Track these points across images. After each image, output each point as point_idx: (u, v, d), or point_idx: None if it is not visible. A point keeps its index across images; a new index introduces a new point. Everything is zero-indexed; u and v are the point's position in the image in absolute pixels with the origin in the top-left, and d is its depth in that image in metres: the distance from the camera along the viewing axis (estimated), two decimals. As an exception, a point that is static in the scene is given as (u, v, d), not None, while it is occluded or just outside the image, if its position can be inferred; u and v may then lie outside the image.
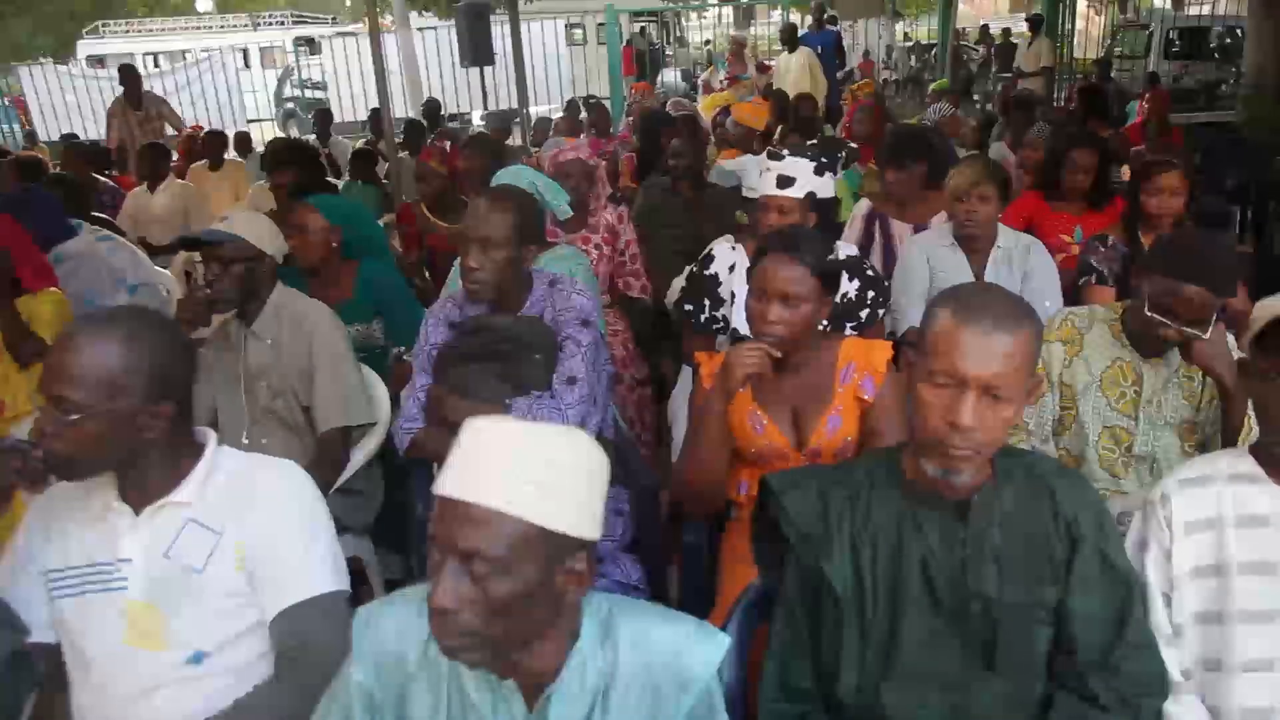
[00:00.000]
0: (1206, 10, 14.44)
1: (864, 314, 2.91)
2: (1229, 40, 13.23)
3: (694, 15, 28.03)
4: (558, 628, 1.19)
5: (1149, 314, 2.12)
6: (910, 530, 1.47)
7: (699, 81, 10.50)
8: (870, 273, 2.92)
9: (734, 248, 3.01)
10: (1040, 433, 2.31)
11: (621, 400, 3.71)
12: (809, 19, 10.10)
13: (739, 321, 2.94)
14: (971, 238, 3.12)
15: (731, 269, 2.97)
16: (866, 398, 2.12)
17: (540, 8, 15.06)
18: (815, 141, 3.04)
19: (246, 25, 17.95)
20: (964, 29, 18.03)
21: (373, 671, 1.24)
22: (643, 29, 16.65)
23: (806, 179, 2.79)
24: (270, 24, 18.00)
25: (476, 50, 9.50)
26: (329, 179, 6.65)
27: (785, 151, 2.85)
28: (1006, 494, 1.47)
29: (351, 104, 11.44)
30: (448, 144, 5.07)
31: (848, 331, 2.92)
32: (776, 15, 20.25)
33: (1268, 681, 1.53)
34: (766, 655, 1.56)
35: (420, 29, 13.58)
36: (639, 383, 3.81)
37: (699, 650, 1.23)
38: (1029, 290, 3.10)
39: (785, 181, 2.78)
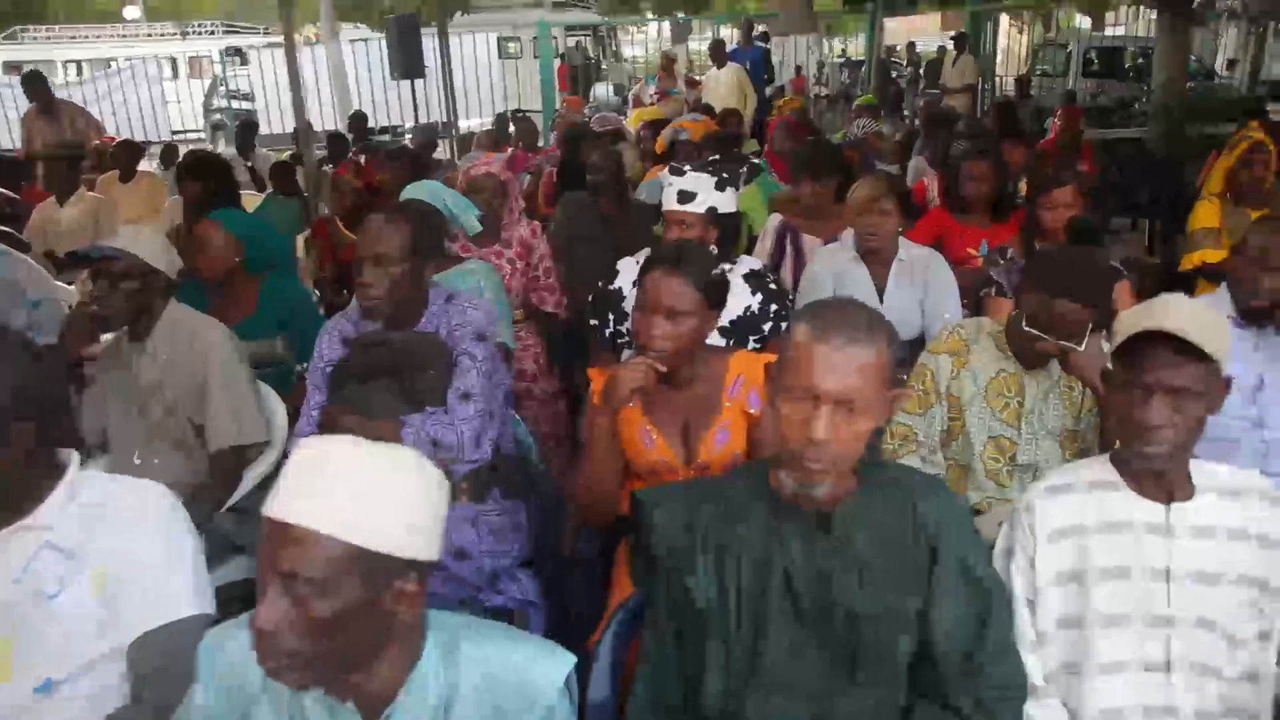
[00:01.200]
0: (1122, 30, 14.95)
1: (767, 327, 2.94)
2: (1141, 60, 13.70)
3: (633, 30, 28.21)
4: (395, 648, 1.18)
5: (1025, 328, 2.18)
6: (775, 542, 1.48)
7: (629, 96, 10.55)
8: (773, 286, 2.96)
9: (639, 263, 3.02)
10: (929, 443, 2.36)
11: (535, 414, 3.70)
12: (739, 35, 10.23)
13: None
14: (873, 251, 3.17)
15: (635, 284, 2.98)
16: (753, 411, 2.14)
17: (474, 21, 15.05)
18: (717, 157, 3.07)
19: (175, 34, 17.60)
20: (894, 46, 18.43)
21: (216, 695, 1.22)
22: (578, 43, 16.70)
23: (707, 194, 2.82)
24: (199, 33, 17.66)
25: (407, 63, 9.44)
26: (252, 191, 6.58)
27: (687, 167, 2.88)
28: (870, 505, 1.50)
29: (280, 116, 11.26)
30: (363, 157, 5.01)
31: (750, 345, 2.96)
32: (713, 31, 20.48)
33: (1123, 683, 1.58)
34: (635, 670, 1.56)
35: (353, 40, 13.46)
36: (552, 396, 3.81)
37: (543, 669, 1.23)
38: (929, 302, 3.17)
39: (686, 197, 2.81)
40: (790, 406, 1.39)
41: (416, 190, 3.43)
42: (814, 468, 1.39)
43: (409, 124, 9.76)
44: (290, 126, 10.64)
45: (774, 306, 2.94)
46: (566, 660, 1.25)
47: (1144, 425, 1.53)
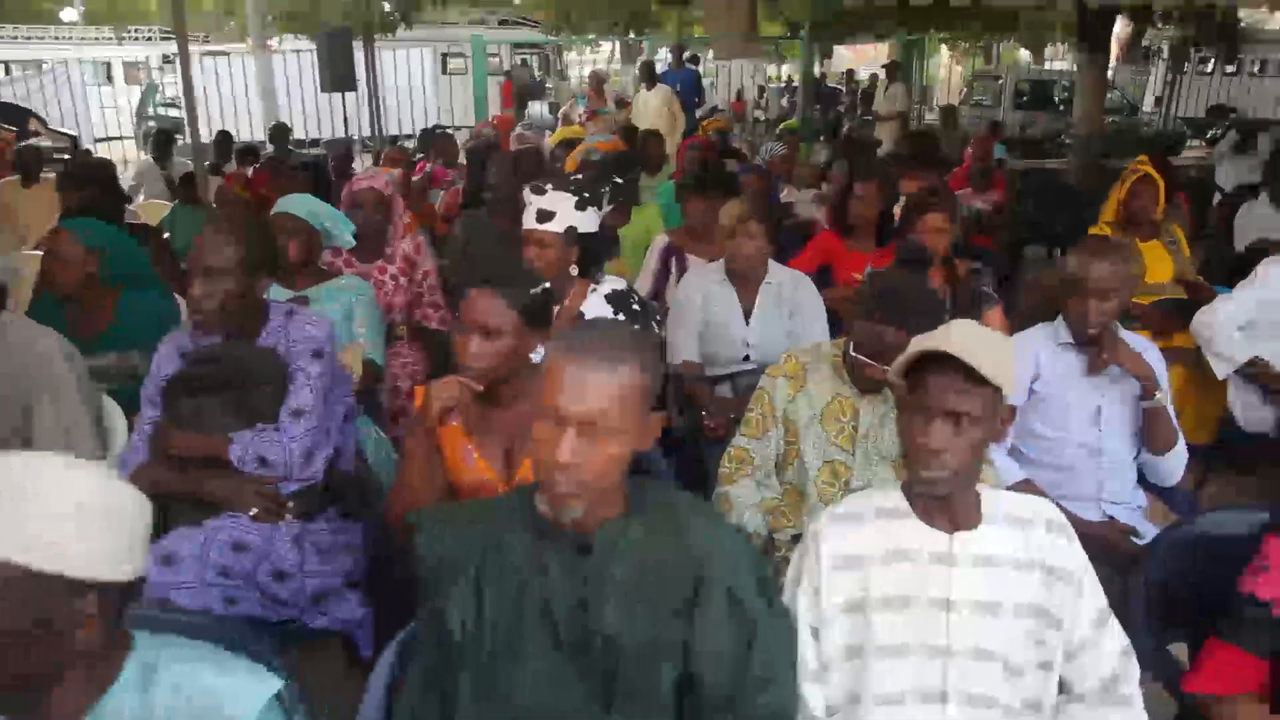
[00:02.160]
0: (1063, 65, 15.31)
1: (629, 348, 2.91)
2: (1069, 94, 14.05)
3: (587, 49, 28.32)
4: (80, 673, 1.12)
5: (854, 355, 2.17)
6: (535, 567, 1.45)
7: (559, 115, 10.56)
8: (636, 306, 2.94)
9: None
10: (765, 467, 2.34)
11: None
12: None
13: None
14: (741, 273, 3.17)
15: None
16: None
17: (417, 35, 14.98)
18: (580, 176, 3.05)
19: (111, 39, 17.27)
20: (823, 73, 18.69)
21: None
22: (523, 61, 16.70)
23: (567, 213, 2.79)
24: (137, 38, 17.34)
25: (337, 76, 9.37)
26: (163, 201, 6.44)
27: (548, 185, 2.85)
28: (635, 529, 1.46)
29: (208, 125, 11.10)
30: (250, 170, 4.92)
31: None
32: (665, 53, 20.61)
33: (899, 714, 1.55)
34: (399, 699, 1.51)
35: (293, 51, 13.31)
36: (429, 415, 3.73)
37: (243, 693, 1.18)
38: (797, 324, 3.18)
39: (545, 216, 2.78)
40: (539, 428, 1.36)
41: (290, 204, 3.37)
42: (561, 491, 1.35)
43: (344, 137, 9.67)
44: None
45: (637, 327, 2.92)
46: (270, 686, 1.20)
47: (923, 448, 1.52)
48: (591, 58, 26.55)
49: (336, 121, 9.79)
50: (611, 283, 2.95)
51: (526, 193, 2.86)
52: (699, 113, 9.82)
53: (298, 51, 11.82)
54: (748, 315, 3.20)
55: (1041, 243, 7.54)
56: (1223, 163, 8.15)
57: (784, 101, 14.92)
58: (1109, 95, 15.75)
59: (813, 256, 4.05)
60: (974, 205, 6.87)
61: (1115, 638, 1.62)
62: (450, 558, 1.48)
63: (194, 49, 15.74)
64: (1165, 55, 12.92)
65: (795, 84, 16.78)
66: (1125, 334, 2.56)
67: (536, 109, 12.85)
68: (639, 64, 9.68)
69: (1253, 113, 15.07)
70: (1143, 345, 2.59)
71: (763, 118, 13.82)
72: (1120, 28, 18.37)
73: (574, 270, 2.88)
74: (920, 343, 1.54)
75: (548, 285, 2.16)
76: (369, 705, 1.58)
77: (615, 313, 2.90)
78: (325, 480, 2.44)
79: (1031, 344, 2.57)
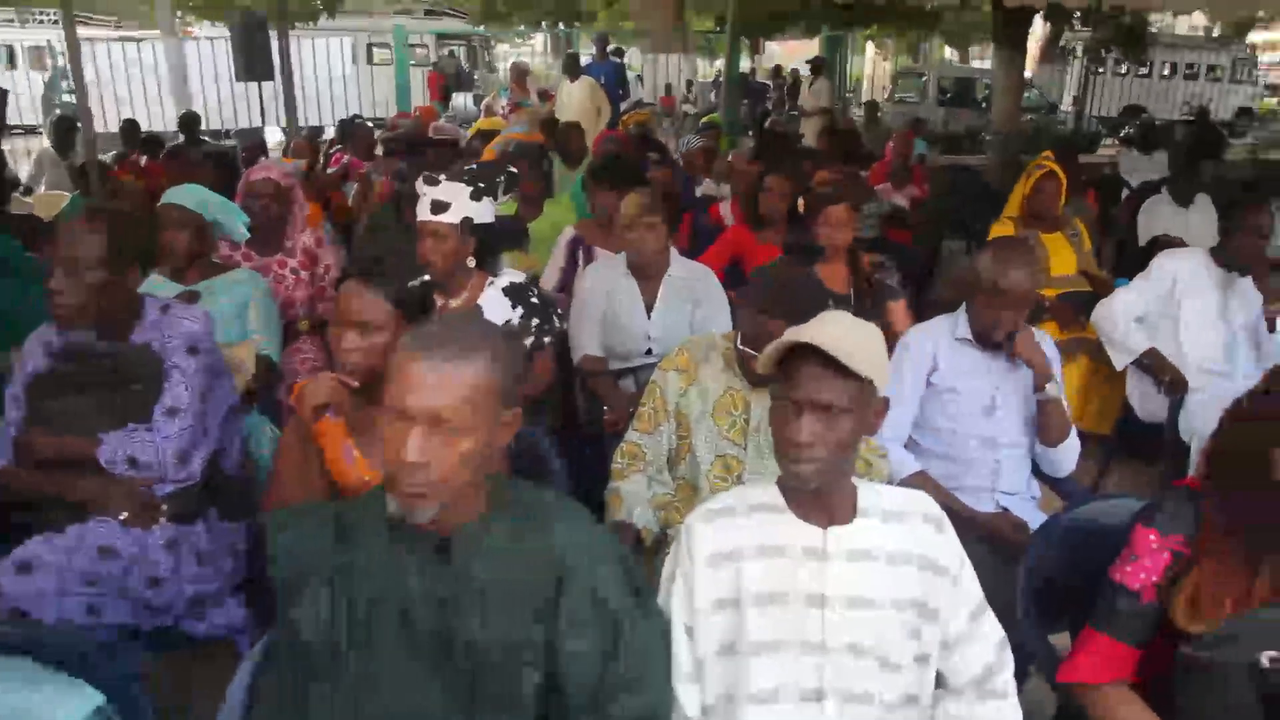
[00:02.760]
0: (984, 64, 15.61)
1: (528, 342, 2.86)
2: (991, 91, 14.34)
3: (519, 41, 28.07)
4: None
5: (740, 348, 2.15)
6: (392, 569, 1.39)
7: (482, 107, 10.42)
8: (535, 300, 2.88)
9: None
10: (657, 462, 2.31)
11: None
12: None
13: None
14: (642, 266, 3.13)
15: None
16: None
17: (340, 24, 14.66)
18: (475, 167, 2.98)
19: (13, 21, 16.53)
20: (753, 68, 18.80)
21: None
22: (450, 52, 16.46)
23: (462, 204, 2.73)
24: (42, 22, 16.63)
25: (252, 65, 9.09)
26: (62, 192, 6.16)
27: (442, 176, 2.78)
28: (497, 529, 1.42)
29: (118, 114, 10.73)
30: (144, 159, 4.74)
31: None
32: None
33: (775, 713, 1.53)
34: (255, 711, 1.44)
35: (208, 38, 12.91)
36: (332, 411, 3.63)
37: (58, 711, 1.10)
38: (700, 317, 3.15)
39: (439, 207, 2.71)
40: (388, 427, 1.30)
41: (179, 194, 3.24)
42: (409, 491, 1.30)
43: (270, 128, 9.40)
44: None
45: (536, 320, 2.87)
46: (92, 699, 1.13)
47: (792, 441, 1.49)
48: (522, 50, 26.36)
49: (254, 112, 9.49)
50: (509, 275, 2.89)
51: (419, 184, 2.79)
52: (624, 106, 9.77)
53: (212, 39, 11.48)
54: (650, 308, 3.16)
55: (959, 237, 7.66)
56: (1128, 160, 8.38)
57: (713, 96, 14.94)
58: (1029, 94, 16.15)
59: (723, 250, 4.04)
60: (893, 200, 6.96)
61: (991, 630, 1.61)
62: (303, 561, 1.41)
63: (104, 34, 15.20)
64: (1079, 56, 13.26)
65: (745, 77, 16.86)
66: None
67: (460, 101, 12.66)
68: (564, 56, 9.59)
69: (1162, 113, 15.59)
70: (1038, 338, 2.62)
71: (692, 112, 13.79)
72: (1040, 29, 18.86)
73: (471, 262, 2.81)
74: (790, 335, 1.50)
75: (428, 278, 2.10)
76: (225, 717, 1.51)
77: (513, 306, 2.84)
78: (204, 481, 2.34)
79: (928, 337, 2.58)
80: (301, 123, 11.00)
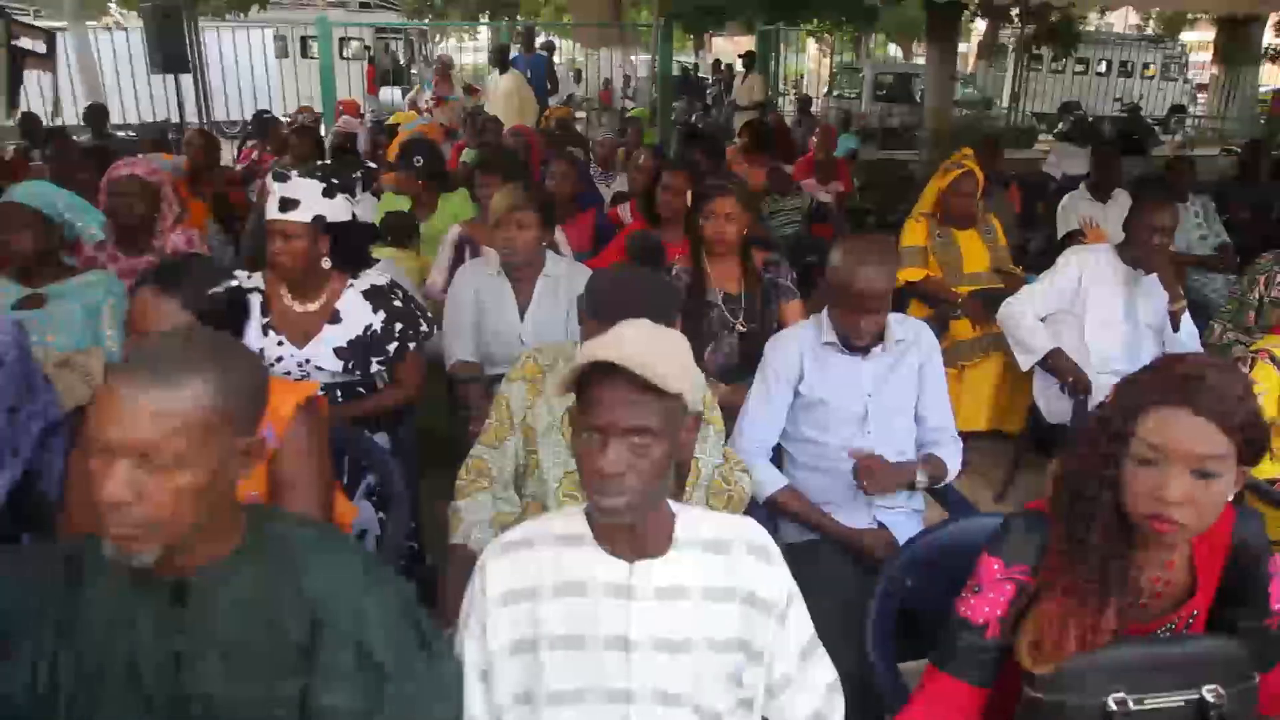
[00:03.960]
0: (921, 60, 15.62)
1: (391, 348, 2.68)
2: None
3: (465, 35, 27.66)
4: None
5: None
6: (121, 619, 1.21)
7: (406, 101, 10.17)
8: (399, 304, 2.70)
9: (250, 275, 2.72)
10: (502, 479, 2.14)
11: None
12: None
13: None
14: (515, 265, 2.96)
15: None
16: (270, 447, 1.86)
17: (262, 16, 14.26)
18: (328, 161, 2.80)
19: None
20: (695, 63, 18.70)
21: None
22: (387, 45, 16.13)
23: (313, 201, 2.55)
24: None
25: (167, 56, 8.76)
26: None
27: (292, 173, 2.59)
28: (243, 572, 1.25)
29: (28, 104, 10.32)
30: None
31: (374, 368, 2.70)
32: (561, 41, 20.24)
33: (573, 766, 1.37)
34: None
35: (121, 29, 12.45)
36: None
37: None
38: (575, 319, 2.98)
39: (288, 204, 2.53)
40: (92, 462, 1.13)
41: (20, 193, 3.02)
42: (117, 533, 1.12)
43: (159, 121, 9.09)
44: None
45: (399, 325, 2.69)
46: None
47: (600, 473, 1.30)
48: (467, 45, 25.98)
49: (172, 105, 9.15)
50: (371, 278, 2.71)
51: (269, 180, 2.60)
52: (552, 100, 9.58)
53: (126, 29, 11.06)
54: (523, 310, 3.00)
55: (887, 233, 7.58)
56: (1058, 155, 8.38)
57: (653, 91, 14.79)
58: (967, 90, 16.24)
59: (618, 248, 3.89)
60: (817, 195, 6.86)
61: (822, 672, 1.47)
62: (20, 609, 1.23)
63: (29, 23, 14.64)
64: (1016, 51, 13.34)
65: (686, 73, 16.73)
66: (896, 316, 2.44)
67: (388, 95, 12.37)
68: (491, 49, 9.38)
69: (1098, 109, 15.77)
70: (915, 327, 2.49)
71: (630, 107, 13.64)
72: (981, 26, 18.98)
73: (326, 263, 2.62)
74: (586, 353, 1.33)
75: (236, 284, 1.92)
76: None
77: (375, 310, 2.67)
78: (8, 502, 2.14)
79: (793, 343, 2.43)
80: (221, 116, 10.67)
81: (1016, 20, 12.38)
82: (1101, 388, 3.44)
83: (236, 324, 1.91)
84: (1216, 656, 1.42)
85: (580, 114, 13.12)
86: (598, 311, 1.91)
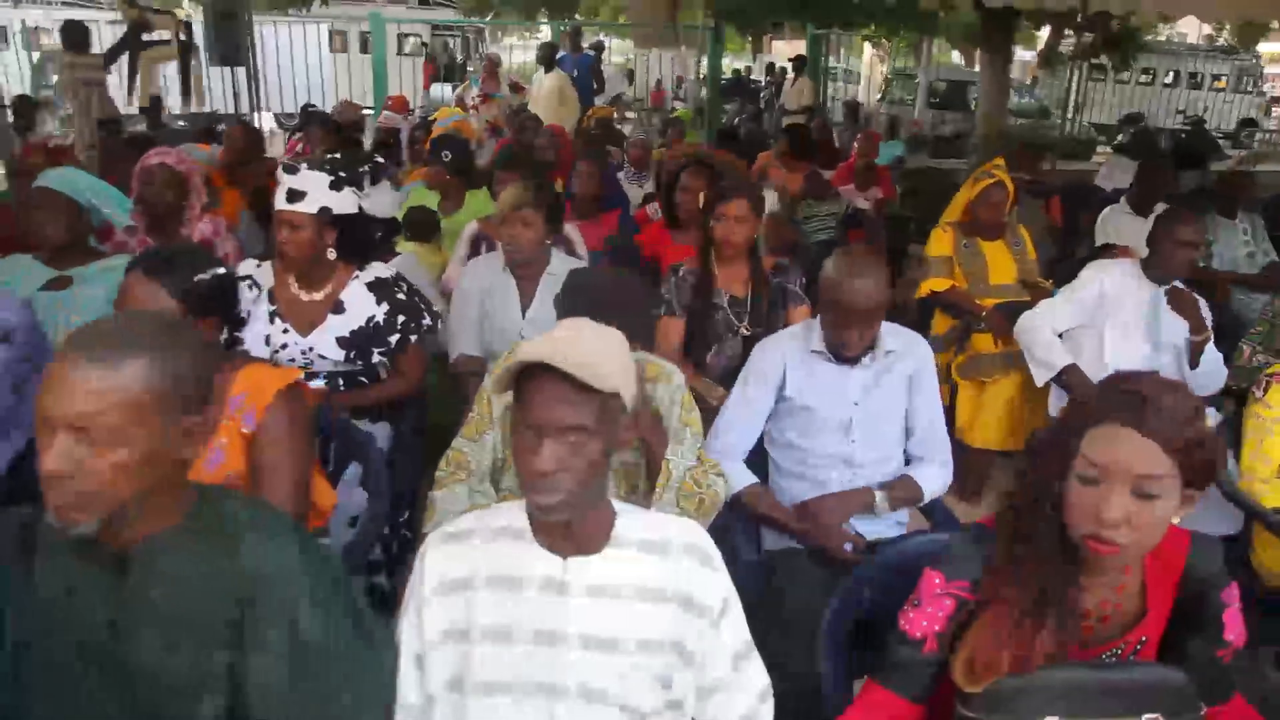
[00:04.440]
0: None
1: (394, 339, 2.73)
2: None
3: (527, 34, 27.92)
4: None
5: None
6: (65, 587, 1.27)
7: (454, 98, 10.30)
8: (402, 296, 2.75)
9: (259, 265, 2.79)
10: (479, 471, 2.17)
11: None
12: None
13: (249, 342, 2.71)
14: (520, 263, 2.99)
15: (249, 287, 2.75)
16: (245, 430, 1.92)
17: (333, 12, 14.54)
18: (338, 155, 2.86)
19: (7, 1, 16.48)
20: (748, 66, 18.62)
21: None
22: (444, 43, 16.35)
23: (320, 193, 2.61)
24: (35, 3, 16.59)
25: (225, 49, 9.01)
26: None
27: (302, 165, 2.66)
28: (183, 546, 1.29)
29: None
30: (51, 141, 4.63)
31: (375, 358, 2.75)
32: (613, 41, 20.36)
33: (501, 758, 1.39)
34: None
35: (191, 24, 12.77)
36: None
37: None
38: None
39: (295, 196, 2.60)
40: (38, 432, 1.18)
41: (50, 179, 3.13)
42: (55, 504, 1.18)
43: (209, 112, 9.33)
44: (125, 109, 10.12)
45: (402, 318, 2.74)
46: None
47: (534, 470, 1.33)
48: (529, 42, 26.19)
49: (229, 97, 9.40)
50: (376, 270, 2.77)
51: (279, 172, 2.66)
52: (598, 100, 9.63)
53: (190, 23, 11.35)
54: (525, 307, 3.03)
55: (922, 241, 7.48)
56: (1112, 167, 8.21)
57: (703, 93, 14.78)
58: (1026, 99, 15.94)
59: (642, 247, 3.91)
60: (856, 202, 6.80)
61: (754, 678, 1.47)
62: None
63: (99, 15, 15.11)
64: (1068, 61, 13.06)
65: (728, 76, 16.69)
66: (890, 326, 2.42)
67: (439, 92, 12.53)
68: (539, 47, 9.46)
69: (1163, 121, 15.36)
70: (908, 339, 2.46)
71: (681, 109, 13.65)
72: (1045, 34, 18.60)
73: (332, 254, 2.68)
74: (521, 352, 1.35)
75: (223, 271, 1.97)
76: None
77: (378, 302, 2.73)
78: (12, 473, 2.23)
79: (777, 349, 2.43)
80: (276, 109, 10.91)
81: (1071, 30, 12.14)
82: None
83: (226, 312, 1.97)
84: (1161, 685, 1.39)
85: (631, 114, 13.17)
86: (569, 311, 1.93)
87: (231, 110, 9.43)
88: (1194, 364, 3.34)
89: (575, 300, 1.94)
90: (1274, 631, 2.86)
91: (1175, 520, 1.39)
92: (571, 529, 1.40)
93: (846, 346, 2.30)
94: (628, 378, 1.39)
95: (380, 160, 2.80)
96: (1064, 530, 1.38)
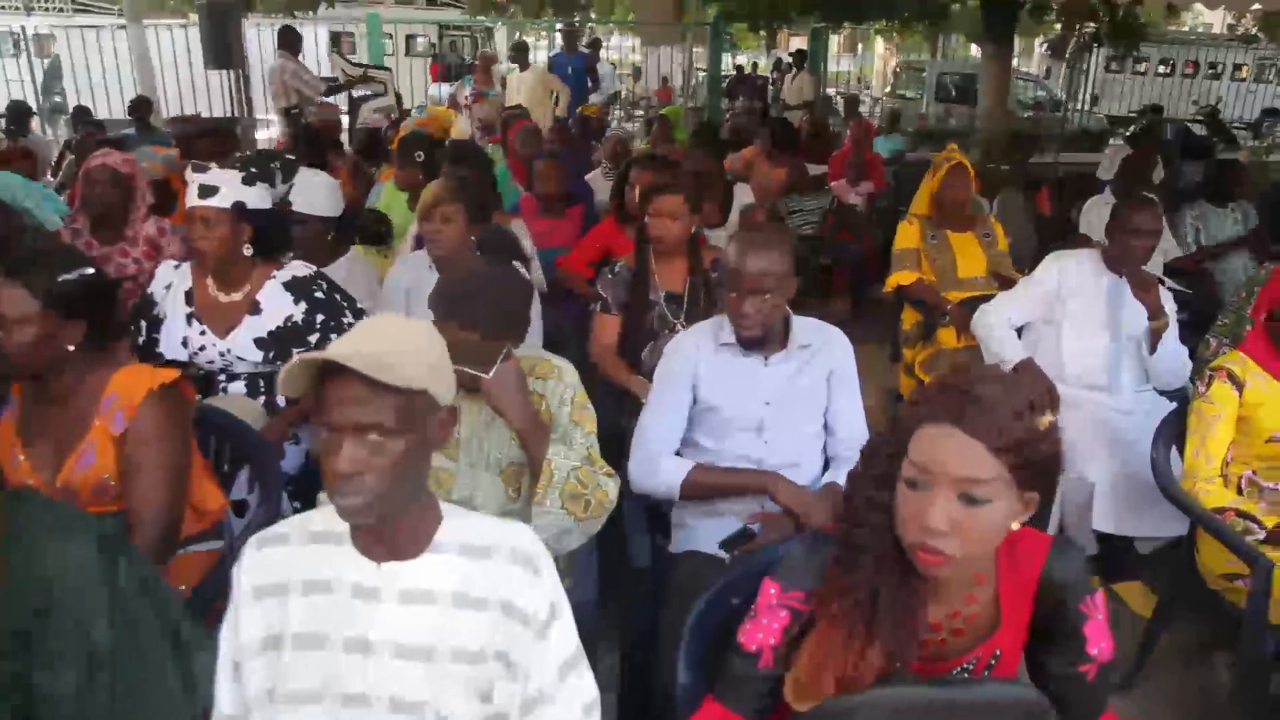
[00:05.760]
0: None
1: (313, 339, 2.70)
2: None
3: (544, 34, 27.87)
4: None
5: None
6: None
7: (447, 97, 10.28)
8: (321, 295, 2.72)
9: (177, 266, 2.77)
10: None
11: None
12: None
13: (166, 345, 2.69)
14: (445, 260, 2.94)
15: (168, 288, 2.73)
16: (114, 431, 1.89)
17: (343, 14, 14.57)
18: (250, 154, 2.83)
19: (19, 8, 16.69)
20: (754, 61, 18.46)
21: None
22: (452, 43, 16.37)
23: (233, 189, 2.59)
24: (47, 9, 16.80)
25: (220, 52, 9.04)
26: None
27: (211, 164, 2.64)
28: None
29: (107, 101, 10.77)
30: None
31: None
32: (614, 40, 20.30)
33: (312, 771, 1.34)
34: None
35: (180, 25, 12.85)
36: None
37: None
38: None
39: (207, 191, 2.58)
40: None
41: (-12, 184, 3.15)
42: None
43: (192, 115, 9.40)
44: (119, 112, 10.21)
45: (320, 317, 2.71)
46: None
47: (335, 472, 1.27)
48: (540, 43, 26.14)
49: (226, 100, 9.44)
50: (295, 268, 2.73)
51: (188, 171, 2.64)
52: (594, 98, 9.56)
53: (185, 25, 11.45)
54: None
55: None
56: (1108, 157, 8.03)
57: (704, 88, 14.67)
58: (1038, 92, 15.70)
59: (591, 243, 3.88)
60: (845, 197, 6.70)
61: (580, 691, 1.40)
62: None
63: (106, 21, 15.25)
64: (1077, 49, 12.82)
65: (740, 71, 16.59)
66: (799, 319, 2.34)
67: (437, 91, 12.52)
68: (510, 47, 9.48)
69: (1180, 112, 15.07)
70: (825, 334, 2.38)
71: (688, 105, 13.56)
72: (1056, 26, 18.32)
73: (248, 250, 2.65)
74: (317, 351, 1.29)
75: (89, 271, 1.94)
76: None
77: (296, 301, 2.70)
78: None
79: (690, 343, 2.33)
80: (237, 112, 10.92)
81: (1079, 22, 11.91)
82: (1080, 403, 3.27)
83: (96, 314, 1.93)
84: (1010, 702, 1.32)
85: (639, 112, 13.11)
86: (437, 313, 1.88)
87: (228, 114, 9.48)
88: (1152, 349, 3.23)
89: (439, 299, 1.89)
90: (1220, 634, 2.78)
91: (1014, 526, 1.31)
92: (385, 533, 1.35)
93: (743, 322, 2.20)
94: (437, 373, 1.33)
95: (291, 158, 2.74)
96: (896, 539, 1.31)
